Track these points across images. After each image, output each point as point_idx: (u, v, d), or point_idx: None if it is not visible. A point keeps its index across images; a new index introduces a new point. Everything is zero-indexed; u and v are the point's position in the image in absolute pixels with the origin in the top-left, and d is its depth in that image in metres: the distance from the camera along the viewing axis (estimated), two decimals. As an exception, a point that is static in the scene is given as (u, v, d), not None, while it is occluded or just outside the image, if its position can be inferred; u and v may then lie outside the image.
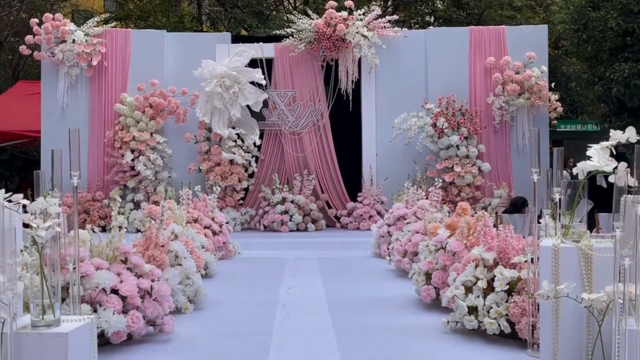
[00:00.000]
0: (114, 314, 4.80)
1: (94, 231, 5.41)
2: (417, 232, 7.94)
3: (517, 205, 9.53)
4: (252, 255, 9.98)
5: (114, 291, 4.96)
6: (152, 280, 5.29)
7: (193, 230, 7.87)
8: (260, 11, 18.48)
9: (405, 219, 9.39)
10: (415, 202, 9.65)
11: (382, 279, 7.99)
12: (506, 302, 5.01)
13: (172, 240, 6.41)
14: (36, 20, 13.43)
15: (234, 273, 8.47)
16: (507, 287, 5.04)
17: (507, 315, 4.97)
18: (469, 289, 5.29)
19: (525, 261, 4.93)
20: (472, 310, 5.18)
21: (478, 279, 5.25)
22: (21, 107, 15.66)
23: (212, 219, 9.60)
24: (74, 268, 4.43)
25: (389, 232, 9.50)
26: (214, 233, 9.42)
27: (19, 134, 15.55)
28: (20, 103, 15.91)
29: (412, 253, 7.83)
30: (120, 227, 5.31)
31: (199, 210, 9.34)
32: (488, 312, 5.06)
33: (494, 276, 5.14)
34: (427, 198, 8.87)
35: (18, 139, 16.08)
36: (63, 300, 4.49)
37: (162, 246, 6.13)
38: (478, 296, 5.18)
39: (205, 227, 9.15)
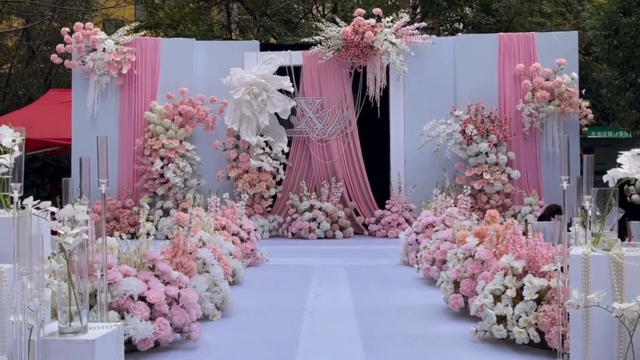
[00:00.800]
0: (141, 321, 4.81)
1: (122, 238, 5.44)
2: (446, 240, 7.88)
3: (552, 212, 9.43)
4: (279, 263, 9.98)
5: (142, 298, 4.98)
6: (180, 288, 5.30)
7: (221, 238, 7.89)
8: (289, 19, 18.53)
9: (433, 227, 9.32)
10: (444, 209, 9.58)
11: (410, 287, 7.94)
12: (535, 311, 4.95)
13: (200, 247, 6.42)
14: (67, 29, 13.60)
15: (262, 280, 8.47)
16: (537, 296, 4.97)
17: (536, 324, 4.91)
18: (497, 298, 5.23)
19: (555, 270, 4.87)
20: (501, 319, 5.12)
21: (507, 287, 5.19)
22: (52, 115, 15.85)
23: (240, 226, 9.62)
24: (102, 275, 4.46)
25: (417, 239, 9.44)
26: (242, 240, 9.43)
27: (50, 141, 15.71)
28: (51, 111, 16.10)
29: (440, 261, 7.78)
30: (148, 234, 5.34)
31: (227, 217, 9.37)
32: (517, 321, 5.00)
33: (523, 285, 5.08)
34: (455, 205, 8.80)
35: (49, 146, 16.25)
36: (91, 307, 4.52)
37: (190, 253, 6.14)
38: (507, 305, 5.12)
39: (233, 235, 9.18)
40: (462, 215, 8.12)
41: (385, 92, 13.74)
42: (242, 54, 13.89)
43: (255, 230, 11.64)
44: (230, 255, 7.96)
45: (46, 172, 20.63)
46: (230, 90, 13.27)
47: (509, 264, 5.27)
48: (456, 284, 6.29)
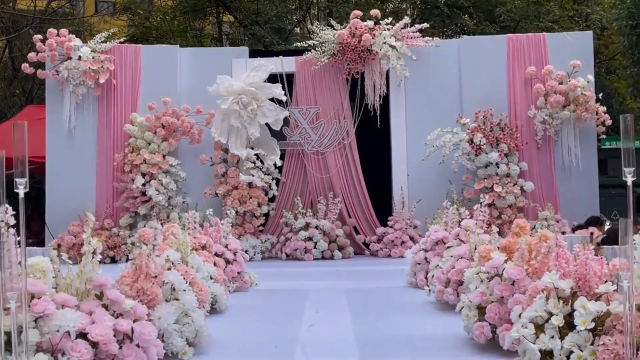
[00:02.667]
0: (79, 365, 3.68)
1: (63, 259, 4.30)
2: (462, 258, 6.77)
3: (589, 223, 8.36)
4: (270, 287, 8.83)
5: (83, 335, 3.86)
6: (135, 321, 4.17)
7: (199, 259, 6.77)
8: (281, 27, 17.51)
9: (445, 244, 8.23)
10: (456, 223, 8.47)
11: (422, 314, 6.79)
12: (592, 344, 3.82)
13: (168, 269, 5.29)
14: (40, 36, 12.54)
15: (248, 308, 7.33)
16: (593, 324, 3.85)
17: (594, 361, 3.78)
18: (539, 328, 4.10)
19: (615, 290, 3.76)
20: (546, 355, 3.99)
21: (551, 314, 4.07)
22: (29, 133, 14.73)
23: (226, 246, 8.50)
24: (19, 306, 3.34)
25: (426, 258, 8.31)
26: (227, 262, 8.32)
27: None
28: (28, 129, 14.99)
29: (456, 282, 6.66)
30: (93, 254, 4.21)
31: (209, 236, 8.25)
32: (568, 357, 3.87)
33: (573, 310, 3.96)
34: (471, 217, 7.69)
35: (25, 165, 15.12)
36: (9, 349, 3.41)
37: (155, 277, 5.02)
38: (553, 337, 4.00)
39: (216, 255, 8.07)
40: (479, 228, 7.00)
41: (386, 99, 12.75)
42: (229, 60, 12.90)
43: (246, 251, 10.68)
44: (211, 279, 6.84)
45: (30, 196, 19.54)
46: (217, 100, 12.26)
47: (552, 284, 4.15)
48: (480, 309, 5.15)
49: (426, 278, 8.14)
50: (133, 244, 5.43)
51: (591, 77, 12.25)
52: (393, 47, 12.47)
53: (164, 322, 4.80)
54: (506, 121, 12.36)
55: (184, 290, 5.18)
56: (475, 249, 6.64)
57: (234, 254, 8.47)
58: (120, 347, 3.98)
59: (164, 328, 4.82)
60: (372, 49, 12.45)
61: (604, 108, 12.40)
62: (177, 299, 5.11)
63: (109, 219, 12.41)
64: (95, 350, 3.87)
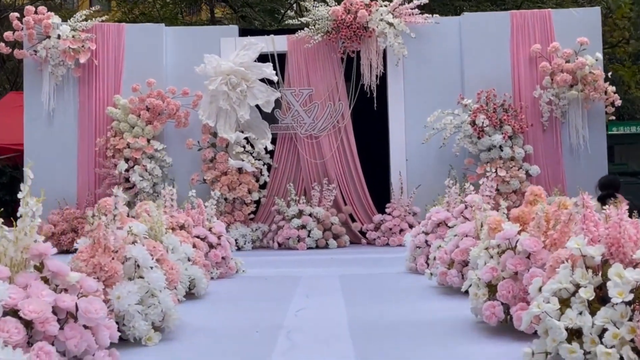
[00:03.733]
0: (6, 346, 3.00)
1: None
2: (467, 236, 6.10)
3: (611, 187, 7.69)
4: (258, 274, 8.16)
5: (14, 312, 3.18)
6: (80, 297, 3.49)
7: (176, 238, 6.09)
8: (274, 9, 16.78)
9: (447, 225, 7.57)
10: (458, 203, 7.82)
11: (423, 298, 6.12)
12: (630, 319, 3.15)
13: (133, 244, 4.61)
14: (16, 14, 11.82)
15: (231, 293, 6.67)
16: (631, 296, 3.17)
17: (632, 340, 3.10)
18: (565, 302, 3.43)
19: (657, 256, 3.09)
20: (573, 334, 3.31)
21: (579, 286, 3.40)
22: (9, 119, 14.15)
23: (209, 230, 7.84)
24: None
25: (426, 241, 7.66)
26: (211, 246, 7.66)
27: (6, 147, 13.98)
28: (8, 115, 14.40)
29: (460, 263, 6.01)
30: (33, 217, 3.53)
31: (192, 218, 7.58)
32: (601, 336, 3.20)
33: (606, 281, 3.28)
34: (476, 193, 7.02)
35: (5, 153, 14.49)
36: None
37: (115, 252, 4.35)
38: (581, 312, 3.32)
39: (199, 238, 7.41)
40: (486, 203, 6.33)
41: (383, 79, 12.06)
42: (218, 40, 12.20)
43: (235, 240, 10.08)
44: (189, 260, 6.17)
45: (15, 189, 18.83)
46: (204, 81, 11.55)
47: (579, 251, 3.48)
48: (491, 287, 4.48)
49: (427, 262, 7.51)
50: (93, 215, 4.89)
51: (599, 55, 11.56)
52: (390, 24, 11.78)
53: (124, 302, 4.15)
54: (510, 102, 11.69)
55: (150, 267, 4.50)
56: (482, 226, 5.99)
57: (218, 237, 7.82)
58: (61, 328, 3.30)
59: (125, 309, 4.17)
60: (368, 26, 11.78)
61: (613, 87, 11.70)
62: (141, 277, 4.44)
63: (91, 207, 11.69)
64: (30, 330, 3.20)
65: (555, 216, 4.38)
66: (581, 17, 12.05)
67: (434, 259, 6.66)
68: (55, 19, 11.79)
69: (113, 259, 4.26)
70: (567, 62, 11.52)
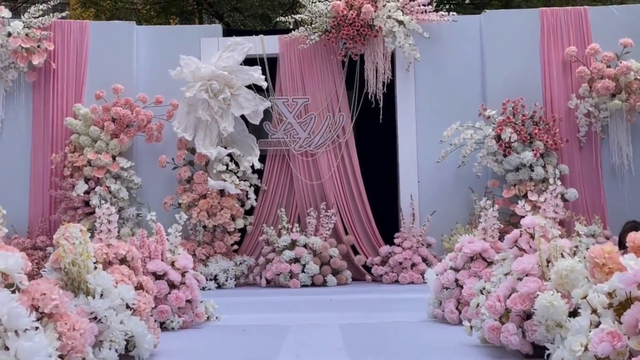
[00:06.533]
0: None
1: None
2: (527, 275, 4.26)
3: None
4: (236, 322, 6.27)
5: None
6: None
7: (109, 277, 4.23)
8: (266, 14, 15.04)
9: (484, 259, 5.77)
10: (495, 231, 6.01)
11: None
12: None
13: None
14: (-40, 8, 10.09)
15: (191, 354, 4.80)
16: None
17: None
18: None
19: None
20: None
21: None
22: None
23: (172, 264, 6.01)
24: None
25: (457, 280, 5.83)
26: (172, 286, 5.82)
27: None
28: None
29: (519, 315, 4.15)
30: None
31: (146, 247, 5.75)
32: None
33: None
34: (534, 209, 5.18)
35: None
36: None
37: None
38: None
39: (155, 275, 5.59)
40: (554, 226, 4.51)
41: (391, 87, 10.43)
42: (198, 40, 10.55)
43: (215, 276, 8.46)
44: (128, 309, 4.31)
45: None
46: (181, 88, 9.84)
47: None
48: (608, 367, 2.63)
49: (458, 309, 5.68)
50: None
51: (647, 59, 9.88)
52: (400, 22, 10.12)
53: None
54: (541, 114, 9.96)
55: (25, 330, 2.63)
56: (549, 262, 4.22)
57: (183, 274, 5.97)
58: None
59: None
60: (374, 24, 10.12)
61: (663, 97, 9.99)
62: (6, 348, 2.57)
63: (44, 236, 9.88)
64: None
65: None
66: (623, 14, 10.41)
67: (477, 306, 4.78)
68: (5, 12, 10.04)
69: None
70: (608, 67, 9.88)
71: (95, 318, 4.02)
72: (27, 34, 10.02)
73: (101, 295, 4.12)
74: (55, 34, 10.32)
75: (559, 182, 5.29)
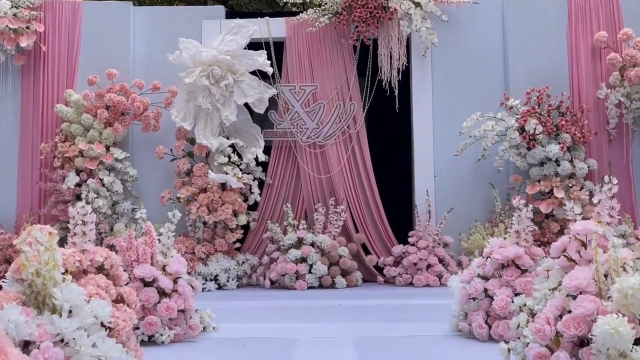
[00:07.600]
0: None
1: None
2: (581, 293, 3.55)
3: None
4: (235, 333, 5.58)
5: None
6: None
7: (81, 291, 3.54)
8: (273, -2, 14.44)
9: (517, 266, 5.07)
10: (527, 233, 5.30)
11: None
12: None
13: None
14: (-58, -13, 9.43)
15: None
16: None
17: None
18: None
19: None
20: None
21: None
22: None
23: (163, 268, 5.32)
24: None
25: (486, 290, 5.13)
26: (163, 294, 5.14)
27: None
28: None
29: (572, 340, 3.44)
30: None
31: (133, 251, 5.07)
32: None
33: None
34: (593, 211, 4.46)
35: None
36: None
37: None
38: None
39: (144, 282, 4.91)
40: (611, 234, 3.80)
41: (406, 74, 9.76)
42: (199, 22, 9.92)
43: (216, 277, 7.92)
44: (105, 328, 3.62)
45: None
46: (180, 73, 9.21)
47: None
48: None
49: (487, 323, 4.99)
50: None
51: (683, 45, 9.17)
52: (417, 3, 9.46)
53: None
54: (568, 104, 9.28)
55: None
56: (607, 276, 3.54)
57: (175, 281, 5.28)
58: None
59: None
60: (388, 5, 9.43)
61: (700, 87, 9.29)
62: None
63: (32, 231, 9.23)
64: None
65: None
66: (657, -3, 9.67)
67: (517, 326, 4.05)
68: (-10, -9, 9.39)
69: None
70: (642, 53, 9.13)
71: (62, 340, 3.34)
72: (15, 14, 9.35)
73: (69, 312, 3.43)
74: (45, 14, 9.68)
75: (614, 180, 4.50)
